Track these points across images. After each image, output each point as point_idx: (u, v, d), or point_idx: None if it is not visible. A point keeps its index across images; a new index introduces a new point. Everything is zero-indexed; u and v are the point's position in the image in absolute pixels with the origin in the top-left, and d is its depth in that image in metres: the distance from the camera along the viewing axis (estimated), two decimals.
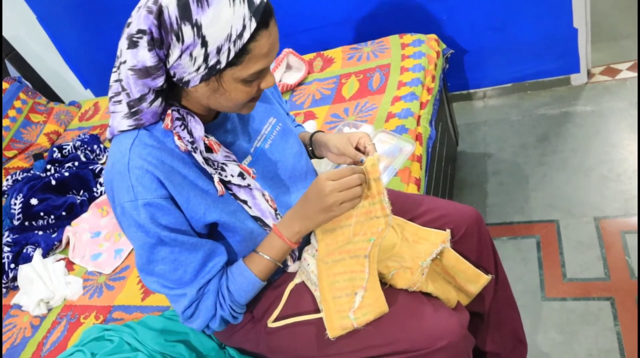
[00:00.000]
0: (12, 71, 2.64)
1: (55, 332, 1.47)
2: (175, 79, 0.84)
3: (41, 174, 2.02)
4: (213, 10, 0.76)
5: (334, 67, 2.04)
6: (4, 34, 2.64)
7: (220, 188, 0.91)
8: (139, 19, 0.79)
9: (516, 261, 1.77)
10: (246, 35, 0.78)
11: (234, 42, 0.78)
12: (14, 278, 1.68)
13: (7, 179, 2.19)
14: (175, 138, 0.88)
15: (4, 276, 1.68)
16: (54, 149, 2.11)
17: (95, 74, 3.08)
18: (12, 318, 1.60)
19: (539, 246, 1.80)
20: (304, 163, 1.12)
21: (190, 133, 0.88)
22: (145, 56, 0.80)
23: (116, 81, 0.87)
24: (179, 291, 0.93)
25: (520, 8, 2.18)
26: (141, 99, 0.85)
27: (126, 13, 2.85)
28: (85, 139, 2.17)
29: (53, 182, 1.87)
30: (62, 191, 1.89)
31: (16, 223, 1.86)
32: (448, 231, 1.12)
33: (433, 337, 0.97)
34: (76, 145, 2.13)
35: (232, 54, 0.79)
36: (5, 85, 2.50)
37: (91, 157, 2.11)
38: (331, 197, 0.91)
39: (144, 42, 0.79)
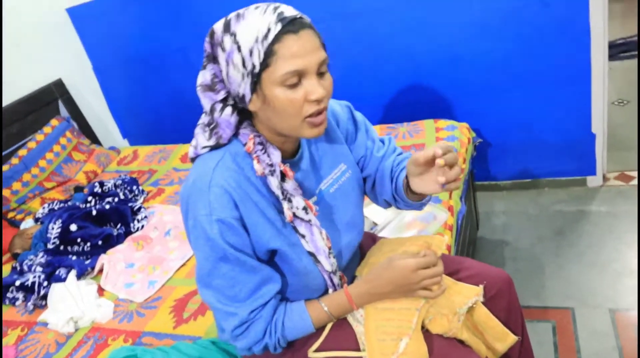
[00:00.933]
0: (63, 110, 2.81)
1: (80, 351, 1.49)
2: (237, 99, 0.94)
3: (80, 205, 2.11)
4: (246, 21, 0.88)
5: None
6: (62, 75, 2.85)
7: (289, 214, 1.00)
8: (205, 46, 0.95)
9: (532, 343, 1.79)
10: (270, 36, 0.86)
11: (262, 42, 0.86)
12: (44, 297, 1.72)
13: (43, 208, 2.29)
14: (255, 161, 0.97)
15: (36, 293, 1.72)
16: (96, 184, 2.22)
17: (135, 126, 3.27)
18: (36, 334, 1.62)
19: (554, 331, 1.83)
20: (360, 212, 1.19)
21: (269, 158, 0.98)
22: (206, 73, 0.95)
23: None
24: (231, 308, 0.99)
25: (544, 110, 2.37)
26: (212, 110, 0.97)
27: (173, 73, 3.14)
28: (126, 180, 2.28)
29: (94, 212, 1.96)
30: (100, 222, 1.98)
31: (51, 246, 1.92)
32: (481, 286, 1.18)
33: None
34: (117, 183, 2.24)
35: (261, 55, 0.86)
36: (55, 122, 2.67)
37: (129, 196, 2.22)
38: (417, 285, 1.02)
39: (205, 61, 0.95)
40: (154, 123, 3.19)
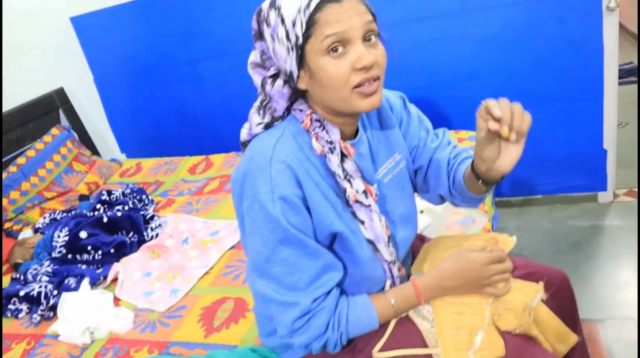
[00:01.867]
0: (64, 120, 2.71)
1: None
2: (285, 77, 0.91)
3: (88, 213, 2.00)
4: None
5: None
6: (64, 84, 2.76)
7: (352, 193, 0.94)
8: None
9: None
10: (312, 5, 0.83)
11: (304, 12, 0.83)
12: (52, 308, 1.60)
13: (44, 217, 2.17)
14: (313, 139, 0.92)
15: (42, 303, 1.59)
16: (103, 192, 2.12)
17: (133, 140, 3.18)
18: (45, 347, 1.49)
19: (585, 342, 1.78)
20: (412, 207, 1.15)
21: (328, 134, 0.93)
22: (255, 52, 0.94)
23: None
24: (291, 298, 0.91)
25: (557, 126, 2.38)
26: (262, 84, 0.94)
27: (176, 87, 3.07)
28: (135, 189, 2.19)
29: (105, 219, 1.86)
30: (112, 230, 1.87)
31: (57, 255, 1.80)
32: (541, 283, 1.13)
33: None
34: (125, 192, 2.14)
35: (303, 25, 0.84)
36: (55, 131, 2.57)
37: (139, 206, 2.11)
38: (489, 279, 0.98)
39: (254, 40, 0.93)
40: (155, 138, 3.10)
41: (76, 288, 1.62)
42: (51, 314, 1.61)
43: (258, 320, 1.16)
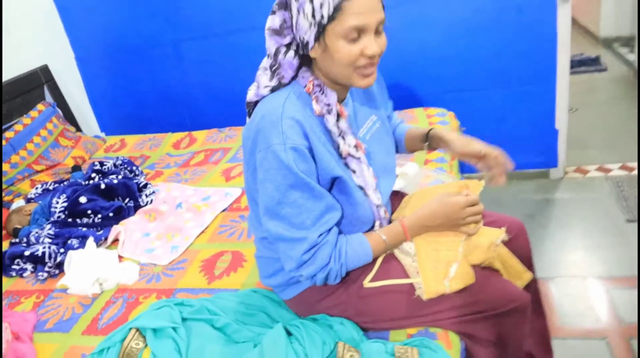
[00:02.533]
0: (49, 97, 2.77)
1: (111, 310, 1.50)
2: (301, 45, 1.05)
3: (83, 182, 2.10)
4: None
5: None
6: (48, 62, 2.82)
7: (345, 149, 1.12)
8: None
9: None
10: None
11: None
12: (59, 265, 1.71)
13: (36, 188, 2.25)
14: (314, 101, 1.10)
15: (50, 261, 1.70)
16: (96, 163, 2.22)
17: (113, 120, 3.25)
18: (55, 299, 1.61)
19: None
20: (392, 160, 1.35)
21: (326, 98, 1.10)
22: (275, 18, 1.04)
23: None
24: (301, 234, 1.07)
25: (514, 107, 2.63)
26: (276, 53, 1.08)
27: (155, 67, 3.20)
28: (125, 161, 2.30)
29: (102, 186, 1.97)
30: (109, 196, 1.98)
31: (56, 219, 1.91)
32: (504, 228, 1.34)
33: (507, 299, 1.16)
34: (117, 163, 2.25)
35: (331, 9, 0.97)
36: (41, 107, 2.64)
37: (130, 176, 2.23)
38: (464, 220, 1.17)
39: (276, 7, 1.05)
40: (135, 117, 3.18)
41: (80, 248, 1.74)
42: (57, 271, 1.72)
43: (259, 263, 1.33)
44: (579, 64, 4.13)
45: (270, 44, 1.08)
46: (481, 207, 1.20)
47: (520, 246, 1.41)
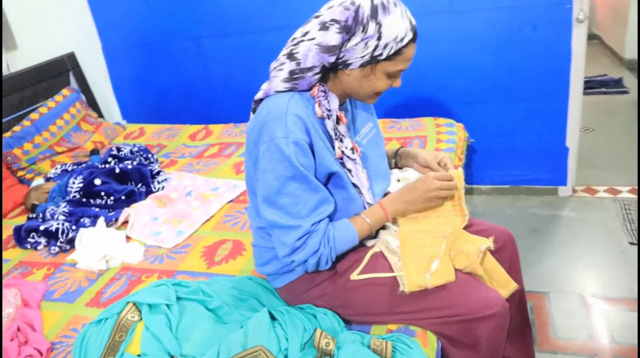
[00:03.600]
0: (74, 83, 2.89)
1: (114, 285, 1.58)
2: (340, 61, 1.13)
3: (99, 165, 2.20)
4: (392, 18, 1.09)
5: None
6: (75, 50, 2.94)
7: (339, 151, 1.19)
8: (334, 12, 1.09)
9: None
10: (405, 41, 1.10)
11: (397, 43, 1.10)
12: (70, 241, 1.80)
13: (55, 168, 2.36)
14: (317, 104, 1.17)
15: (62, 236, 1.80)
16: (113, 148, 2.32)
17: (135, 109, 3.37)
18: (64, 272, 1.70)
19: (532, 310, 2.05)
20: (385, 164, 1.41)
21: (328, 104, 1.17)
22: (332, 37, 1.08)
23: (284, 54, 1.15)
24: (295, 222, 1.13)
25: (526, 123, 2.65)
26: (311, 69, 1.13)
27: (181, 61, 3.30)
28: (142, 148, 2.39)
29: (117, 170, 2.06)
30: (122, 180, 2.08)
31: (72, 199, 2.00)
32: (491, 238, 1.38)
33: (485, 305, 1.20)
34: (133, 150, 2.34)
35: (392, 51, 1.10)
36: (66, 92, 2.76)
37: (145, 163, 2.32)
38: (435, 191, 1.23)
39: (334, 27, 1.08)
40: (156, 107, 3.29)
41: (92, 226, 1.83)
42: (68, 247, 1.81)
43: (255, 252, 1.39)
44: (599, 85, 4.12)
45: (311, 56, 1.10)
46: (453, 183, 1.26)
47: (508, 257, 1.45)
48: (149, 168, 2.17)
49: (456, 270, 1.29)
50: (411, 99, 2.72)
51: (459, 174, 1.31)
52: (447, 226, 1.29)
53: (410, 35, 1.11)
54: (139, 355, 1.19)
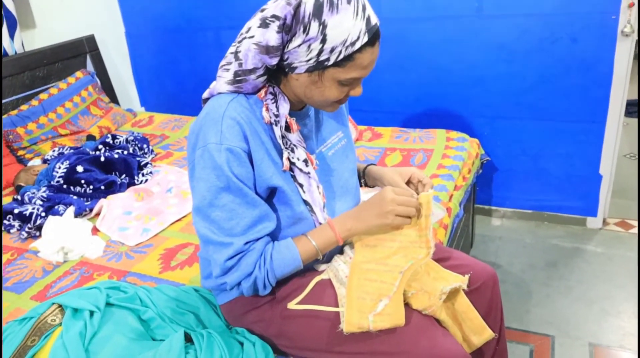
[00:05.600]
0: (90, 66, 2.88)
1: (65, 280, 1.51)
2: (285, 63, 0.97)
3: (90, 152, 2.14)
4: (339, 17, 0.91)
5: (381, 141, 2.23)
6: (95, 32, 2.92)
7: (286, 163, 1.04)
8: (276, 7, 0.93)
9: None
10: (357, 45, 0.93)
11: (346, 47, 0.92)
12: (39, 228, 1.75)
13: (53, 150, 2.33)
14: (264, 108, 1.02)
15: (31, 222, 1.74)
16: (108, 135, 2.26)
17: (154, 96, 3.34)
18: (25, 260, 1.64)
19: (531, 355, 1.83)
20: (354, 180, 1.24)
21: (277, 108, 1.02)
22: (271, 36, 0.93)
23: (232, 52, 1.01)
24: (227, 239, 1.00)
25: (556, 143, 2.40)
26: (252, 70, 0.98)
27: (201, 51, 3.21)
28: (138, 137, 2.33)
29: (102, 159, 2.00)
30: (107, 169, 2.01)
31: (55, 184, 1.96)
32: (467, 276, 1.20)
33: (437, 357, 1.02)
34: (129, 139, 2.28)
35: (341, 57, 0.93)
36: (79, 75, 2.74)
37: (138, 153, 2.25)
38: (390, 205, 1.04)
39: (274, 25, 0.92)
40: (174, 97, 3.25)
41: (63, 214, 1.77)
42: (37, 233, 1.76)
43: (200, 263, 1.27)
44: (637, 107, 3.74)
45: (251, 57, 0.97)
46: (412, 201, 1.06)
47: (487, 299, 1.25)
48: (138, 159, 2.09)
49: (414, 310, 1.12)
50: (428, 109, 2.53)
51: (427, 198, 1.11)
52: (406, 259, 1.10)
53: (364, 39, 0.93)
54: None
